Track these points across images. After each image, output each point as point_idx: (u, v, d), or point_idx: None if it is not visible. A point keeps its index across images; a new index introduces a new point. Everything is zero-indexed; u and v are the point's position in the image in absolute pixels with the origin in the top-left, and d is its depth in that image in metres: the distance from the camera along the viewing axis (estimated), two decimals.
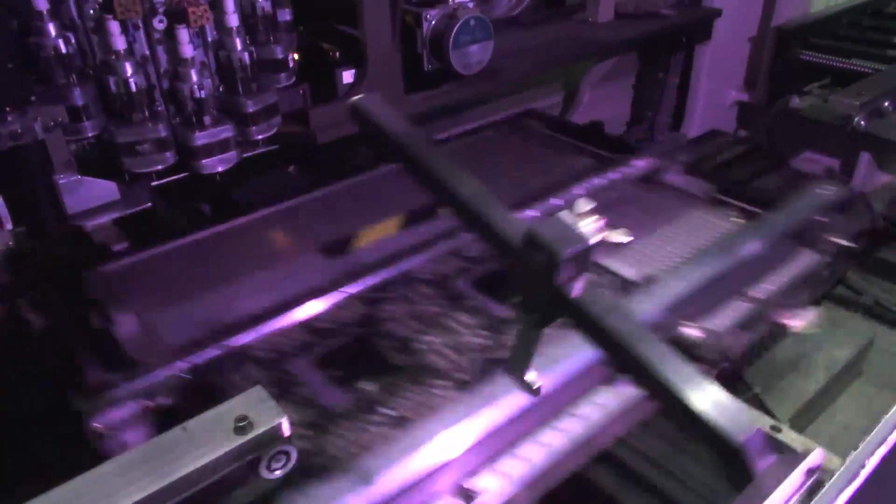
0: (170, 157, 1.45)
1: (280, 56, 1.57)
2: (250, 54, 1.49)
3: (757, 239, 1.36)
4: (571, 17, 2.51)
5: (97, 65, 1.39)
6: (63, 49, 1.32)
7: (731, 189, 2.11)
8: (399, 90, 1.80)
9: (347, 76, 1.74)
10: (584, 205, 0.83)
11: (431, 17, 1.71)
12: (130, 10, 1.30)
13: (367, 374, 1.09)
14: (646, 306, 1.15)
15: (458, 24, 1.67)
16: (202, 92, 1.42)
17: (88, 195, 1.45)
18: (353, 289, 1.28)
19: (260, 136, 1.55)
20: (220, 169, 1.51)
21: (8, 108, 1.22)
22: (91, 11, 1.34)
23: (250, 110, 1.51)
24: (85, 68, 1.40)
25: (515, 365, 0.84)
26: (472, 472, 0.93)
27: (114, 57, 1.35)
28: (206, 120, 1.45)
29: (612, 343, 0.78)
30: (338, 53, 1.72)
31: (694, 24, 2.66)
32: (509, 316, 1.19)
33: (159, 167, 1.45)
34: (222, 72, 1.50)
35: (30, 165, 1.26)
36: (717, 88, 2.91)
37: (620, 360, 0.78)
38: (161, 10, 1.39)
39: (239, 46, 1.47)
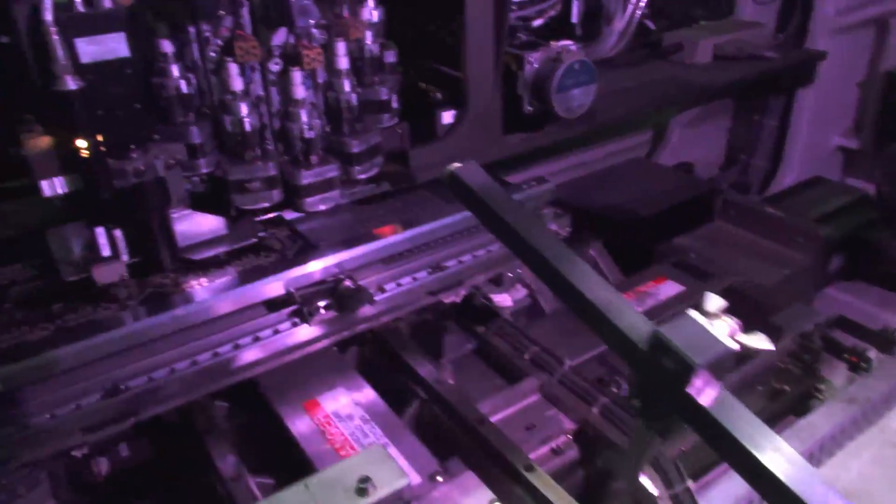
0: (276, 195, 1.47)
1: (384, 97, 1.59)
2: (357, 95, 1.51)
3: None
4: (667, 59, 2.46)
5: (214, 104, 1.43)
6: (184, 89, 1.37)
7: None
8: (497, 132, 1.79)
9: (447, 116, 1.74)
10: (716, 302, 0.77)
11: (534, 60, 1.70)
12: (250, 53, 1.34)
13: None
14: None
15: (562, 68, 1.65)
16: (311, 132, 1.45)
17: (198, 229, 1.48)
18: None
19: (363, 176, 1.56)
20: (321, 208, 1.52)
21: (132, 146, 1.27)
22: (212, 54, 1.38)
23: (355, 150, 1.52)
24: (202, 107, 1.44)
25: (626, 472, 0.78)
26: None
27: (231, 97, 1.39)
28: (313, 159, 1.47)
29: (749, 464, 0.70)
30: (439, 94, 1.73)
31: (797, 68, 2.57)
32: None
33: (266, 204, 1.48)
34: (330, 112, 1.53)
35: (149, 201, 1.30)
36: (818, 133, 2.79)
37: (762, 488, 0.70)
38: (277, 52, 1.43)
39: (347, 88, 1.50)
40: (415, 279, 1.55)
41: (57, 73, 1.11)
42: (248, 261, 1.47)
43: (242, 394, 1.41)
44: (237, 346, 1.37)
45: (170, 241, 1.39)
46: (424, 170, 1.70)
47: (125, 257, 1.38)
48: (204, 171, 1.43)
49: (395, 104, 1.63)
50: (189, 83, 1.38)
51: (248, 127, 1.40)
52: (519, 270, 1.69)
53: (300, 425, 1.33)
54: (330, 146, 1.53)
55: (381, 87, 1.58)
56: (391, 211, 1.66)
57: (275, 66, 1.43)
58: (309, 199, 1.49)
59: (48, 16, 1.08)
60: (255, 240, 1.53)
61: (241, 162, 1.43)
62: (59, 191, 1.23)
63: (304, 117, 1.44)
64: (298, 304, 1.39)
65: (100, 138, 1.18)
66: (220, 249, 1.49)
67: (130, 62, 1.19)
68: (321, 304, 1.41)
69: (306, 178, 1.46)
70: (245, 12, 1.36)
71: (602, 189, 2.76)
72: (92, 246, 1.39)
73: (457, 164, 0.95)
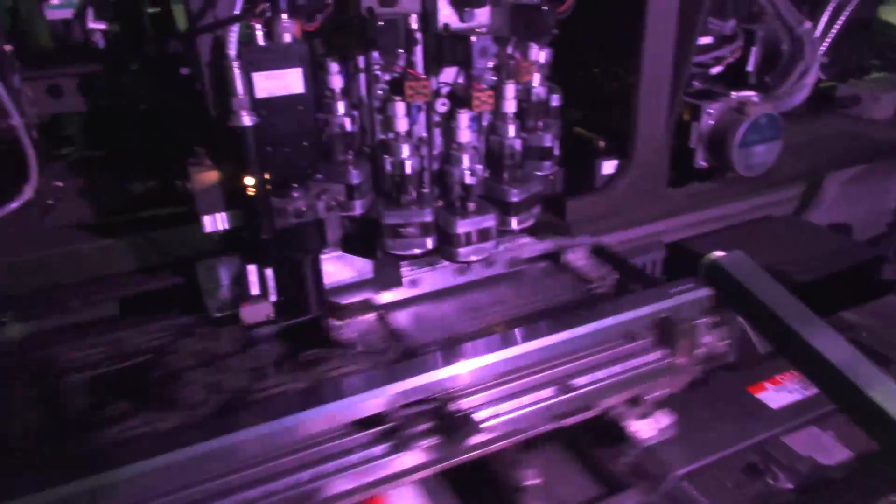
0: (430, 242, 1.38)
1: (548, 144, 1.48)
2: (522, 141, 1.41)
3: None
4: (843, 112, 2.23)
5: (374, 143, 1.36)
6: (348, 127, 1.31)
7: None
8: (662, 186, 1.64)
9: (608, 166, 1.61)
10: None
11: (713, 111, 1.54)
12: (419, 93, 1.26)
13: None
14: None
15: (747, 122, 1.48)
16: (472, 178, 1.35)
17: (346, 271, 1.41)
18: None
19: (520, 227, 1.44)
20: (474, 258, 1.42)
21: (294, 185, 1.21)
22: (380, 91, 1.32)
23: (514, 199, 1.41)
24: (362, 146, 1.38)
25: None
26: None
27: (393, 137, 1.32)
28: (471, 206, 1.37)
29: None
30: (601, 142, 1.60)
31: None
32: None
33: (418, 251, 1.39)
34: (490, 157, 1.43)
35: (306, 243, 1.24)
36: None
37: None
38: (445, 92, 1.35)
39: (512, 133, 1.39)
40: (536, 401, 1.20)
41: (233, 107, 1.07)
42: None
43: None
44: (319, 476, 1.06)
45: (318, 284, 1.32)
46: (581, 223, 1.57)
47: (273, 297, 1.32)
48: (359, 212, 1.36)
49: (556, 151, 1.51)
50: (353, 121, 1.32)
51: (408, 169, 1.32)
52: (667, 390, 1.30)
53: None
54: (488, 192, 1.42)
55: (546, 133, 1.47)
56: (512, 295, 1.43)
57: (441, 107, 1.35)
58: (463, 250, 1.39)
59: (231, 50, 1.03)
60: (400, 286, 1.45)
61: (397, 205, 1.35)
62: (221, 227, 1.19)
63: (466, 161, 1.35)
64: (393, 427, 1.10)
65: (267, 176, 1.13)
66: (366, 294, 1.42)
67: (304, 99, 1.13)
68: (422, 428, 1.11)
69: (462, 226, 1.36)
70: (418, 49, 1.28)
71: (745, 248, 2.53)
72: (241, 282, 1.35)
73: (719, 253, 0.81)
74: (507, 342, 1.17)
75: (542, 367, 1.21)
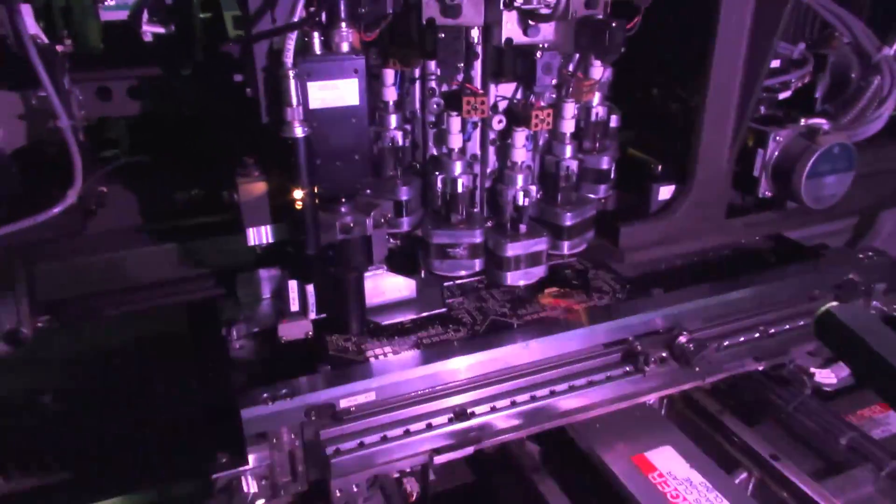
0: (478, 264, 1.32)
1: (605, 167, 1.41)
2: (578, 162, 1.34)
3: None
4: None
5: (426, 160, 1.31)
6: (399, 142, 1.26)
7: None
8: (721, 215, 1.56)
9: (665, 192, 1.53)
10: None
11: (781, 138, 1.45)
12: (476, 109, 1.21)
13: None
14: None
15: (819, 151, 1.40)
16: (525, 199, 1.29)
17: (388, 290, 1.36)
18: None
19: (571, 252, 1.38)
20: (522, 283, 1.36)
21: (342, 199, 1.16)
22: (435, 106, 1.27)
23: (568, 223, 1.35)
24: (412, 162, 1.33)
25: None
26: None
27: (446, 153, 1.26)
28: (522, 229, 1.31)
29: None
30: (659, 167, 1.52)
31: None
32: None
33: (464, 273, 1.33)
34: (544, 178, 1.37)
35: (351, 260, 1.19)
36: None
37: None
38: (502, 109, 1.29)
39: (569, 154, 1.33)
40: (740, 340, 1.43)
41: (286, 117, 1.02)
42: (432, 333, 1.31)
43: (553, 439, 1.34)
44: (572, 388, 1.28)
45: (360, 303, 1.27)
46: (634, 251, 1.49)
47: (313, 314, 1.27)
48: (406, 230, 1.31)
49: (613, 174, 1.45)
50: (405, 135, 1.27)
51: (460, 188, 1.27)
52: None
53: (634, 481, 1.20)
54: (539, 215, 1.36)
55: (603, 156, 1.41)
56: None
57: (498, 125, 1.29)
58: (511, 274, 1.32)
59: (288, 59, 0.99)
60: (443, 309, 1.39)
61: (446, 225, 1.29)
62: (265, 241, 1.14)
63: (520, 182, 1.29)
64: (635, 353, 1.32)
65: (316, 189, 1.08)
66: (408, 316, 1.36)
67: (358, 111, 1.09)
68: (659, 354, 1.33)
69: (512, 249, 1.30)
70: (477, 63, 1.23)
71: None
72: (281, 296, 1.30)
73: (834, 304, 0.75)
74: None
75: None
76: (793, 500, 1.23)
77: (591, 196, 1.42)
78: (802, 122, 1.48)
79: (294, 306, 1.27)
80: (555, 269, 1.47)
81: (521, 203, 1.29)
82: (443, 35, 1.14)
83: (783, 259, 1.66)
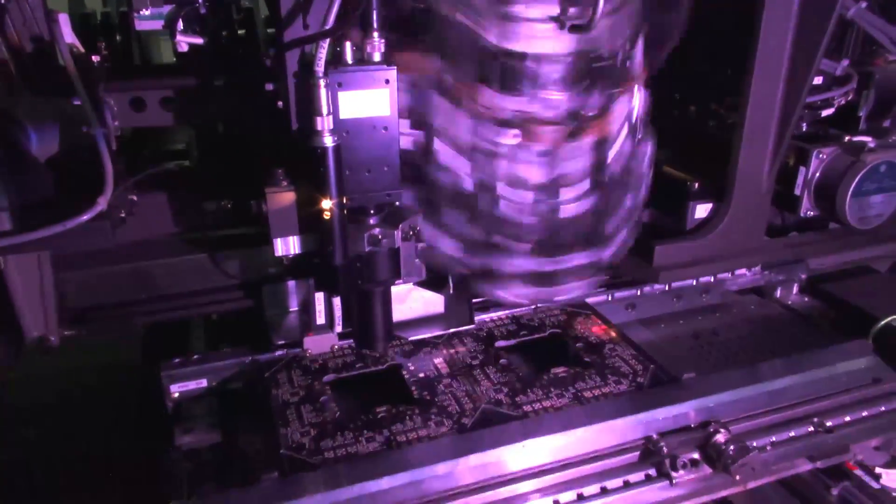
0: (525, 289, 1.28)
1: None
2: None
3: None
4: None
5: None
6: None
7: None
8: (760, 234, 1.51)
9: (701, 210, 1.49)
10: None
11: (824, 155, 1.41)
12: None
13: None
14: None
15: (864, 169, 1.34)
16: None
17: (415, 304, 1.34)
18: None
19: (610, 262, 1.34)
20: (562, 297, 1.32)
21: (370, 211, 1.14)
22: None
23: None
24: None
25: None
26: None
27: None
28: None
29: None
30: (696, 184, 1.48)
31: None
32: None
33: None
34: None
35: (379, 273, 1.16)
36: None
37: None
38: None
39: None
40: (792, 437, 1.19)
41: (316, 126, 1.01)
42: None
43: None
44: (581, 497, 1.07)
45: (386, 317, 1.25)
46: (668, 270, 1.45)
47: (339, 328, 1.25)
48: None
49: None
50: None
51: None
52: None
53: None
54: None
55: None
56: None
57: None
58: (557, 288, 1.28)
59: (319, 67, 0.98)
60: (472, 325, 1.36)
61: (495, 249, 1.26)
62: (293, 252, 1.13)
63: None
64: (660, 455, 1.11)
65: (345, 200, 1.07)
66: (435, 331, 1.33)
67: (389, 122, 1.07)
68: (690, 457, 1.11)
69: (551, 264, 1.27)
70: None
71: None
72: (307, 309, 1.29)
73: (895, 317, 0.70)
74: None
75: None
76: None
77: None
78: (847, 139, 1.43)
79: (320, 319, 1.26)
80: (563, 342, 1.36)
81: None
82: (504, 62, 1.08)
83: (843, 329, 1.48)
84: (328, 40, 0.97)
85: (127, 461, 1.27)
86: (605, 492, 1.07)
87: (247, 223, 1.27)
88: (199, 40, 1.14)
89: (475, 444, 1.06)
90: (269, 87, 1.13)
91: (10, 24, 1.15)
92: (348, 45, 1.02)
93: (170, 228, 1.34)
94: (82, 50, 1.13)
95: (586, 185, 1.21)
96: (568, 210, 1.21)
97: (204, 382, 1.25)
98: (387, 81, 1.04)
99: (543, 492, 1.05)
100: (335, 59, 1.02)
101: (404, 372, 1.27)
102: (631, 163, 1.29)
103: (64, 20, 1.06)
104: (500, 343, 1.36)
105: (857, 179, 1.35)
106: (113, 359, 1.61)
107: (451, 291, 1.37)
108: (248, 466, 1.08)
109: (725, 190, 1.44)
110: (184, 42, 1.13)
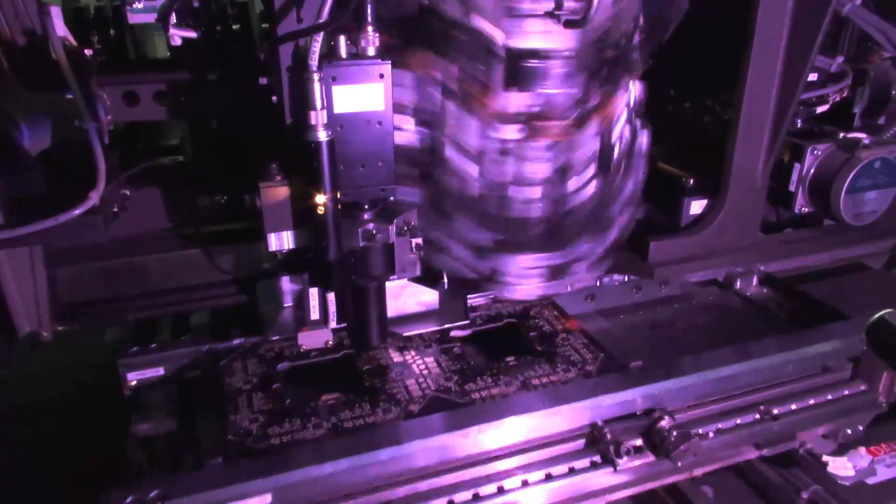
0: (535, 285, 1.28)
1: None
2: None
3: None
4: None
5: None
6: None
7: None
8: (755, 231, 1.51)
9: (696, 206, 1.49)
10: None
11: (819, 152, 1.41)
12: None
13: None
14: None
15: (859, 166, 1.34)
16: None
17: (409, 300, 1.33)
18: None
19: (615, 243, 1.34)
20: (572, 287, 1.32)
21: (365, 206, 1.14)
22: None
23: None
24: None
25: None
26: None
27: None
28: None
29: None
30: (691, 180, 1.48)
31: None
32: None
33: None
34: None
35: (373, 268, 1.16)
36: None
37: None
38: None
39: None
40: (738, 425, 1.19)
41: (310, 121, 1.01)
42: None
43: None
44: (526, 483, 1.06)
45: (381, 313, 1.25)
46: (663, 266, 1.45)
47: (333, 323, 1.25)
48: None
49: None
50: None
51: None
52: (860, 427, 1.27)
53: None
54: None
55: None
56: None
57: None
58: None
59: (313, 61, 0.98)
60: (467, 321, 1.36)
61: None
62: (286, 247, 1.13)
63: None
64: (604, 442, 1.10)
65: (339, 195, 1.06)
66: (430, 328, 1.33)
67: (383, 116, 1.07)
68: (633, 444, 1.10)
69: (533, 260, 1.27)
70: None
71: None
72: (301, 305, 1.29)
73: (890, 311, 0.71)
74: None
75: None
76: None
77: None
78: (841, 135, 1.43)
79: (314, 314, 1.25)
80: (518, 330, 1.35)
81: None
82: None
83: (797, 319, 1.47)
84: (322, 34, 0.97)
85: (119, 458, 1.26)
86: (549, 478, 1.07)
87: (241, 218, 1.27)
88: (192, 34, 1.14)
89: (421, 431, 1.04)
90: (263, 81, 1.13)
91: (2, 18, 1.14)
92: (342, 39, 1.02)
93: (163, 223, 1.33)
94: (75, 44, 1.12)
95: (592, 170, 1.21)
96: (575, 198, 1.22)
97: (161, 371, 1.24)
98: (381, 76, 1.04)
99: (489, 478, 1.05)
100: (329, 54, 1.02)
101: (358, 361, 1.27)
102: (631, 147, 1.30)
103: (56, 13, 1.05)
104: (456, 333, 1.36)
105: (851, 176, 1.35)
106: (106, 354, 1.60)
107: (446, 287, 1.37)
108: (199, 453, 1.08)
109: (720, 186, 1.44)
110: (177, 36, 1.13)
